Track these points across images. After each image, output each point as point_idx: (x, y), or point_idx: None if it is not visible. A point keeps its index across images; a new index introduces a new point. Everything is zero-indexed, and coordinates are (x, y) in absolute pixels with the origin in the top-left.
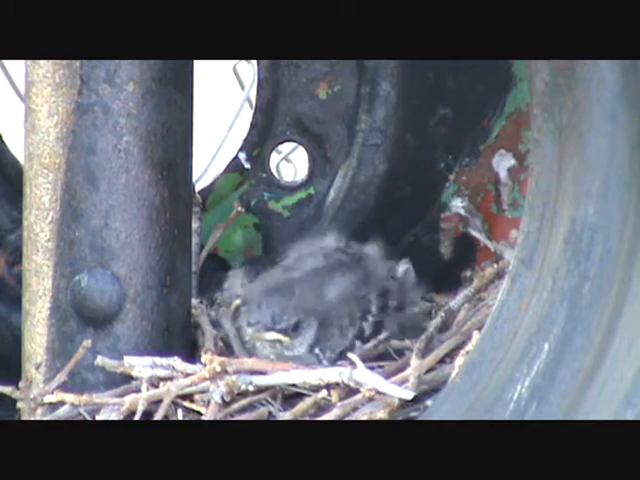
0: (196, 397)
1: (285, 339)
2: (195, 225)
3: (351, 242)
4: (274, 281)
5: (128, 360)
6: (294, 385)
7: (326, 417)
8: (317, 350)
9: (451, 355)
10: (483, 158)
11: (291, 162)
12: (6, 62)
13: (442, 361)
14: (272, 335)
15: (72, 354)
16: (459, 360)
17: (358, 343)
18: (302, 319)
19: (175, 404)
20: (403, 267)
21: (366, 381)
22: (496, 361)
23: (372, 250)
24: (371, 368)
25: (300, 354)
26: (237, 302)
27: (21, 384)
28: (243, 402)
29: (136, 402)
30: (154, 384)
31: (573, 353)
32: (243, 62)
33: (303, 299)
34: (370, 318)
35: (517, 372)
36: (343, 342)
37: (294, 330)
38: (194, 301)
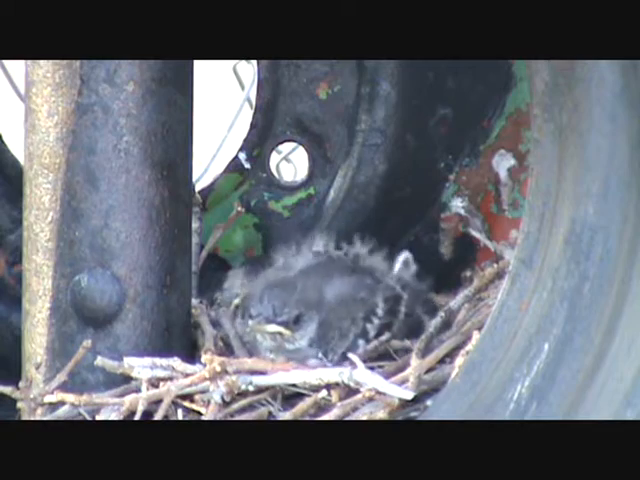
0: (196, 397)
1: (286, 332)
2: (195, 225)
3: (343, 244)
4: (275, 277)
5: (128, 361)
6: (294, 385)
7: (326, 417)
8: (320, 354)
9: (451, 355)
10: (483, 158)
11: (291, 162)
12: (6, 62)
13: (442, 361)
14: (273, 327)
15: (72, 354)
16: (459, 360)
17: (362, 344)
18: (303, 312)
19: (175, 404)
20: (402, 258)
21: (366, 381)
22: (496, 361)
23: (369, 251)
24: (371, 368)
25: (300, 347)
26: (237, 302)
27: (21, 384)
28: (243, 402)
29: (136, 402)
30: (154, 384)
31: (573, 353)
32: (243, 62)
33: (305, 293)
34: (375, 320)
35: (517, 372)
36: (344, 344)
37: (295, 323)
38: (194, 301)
